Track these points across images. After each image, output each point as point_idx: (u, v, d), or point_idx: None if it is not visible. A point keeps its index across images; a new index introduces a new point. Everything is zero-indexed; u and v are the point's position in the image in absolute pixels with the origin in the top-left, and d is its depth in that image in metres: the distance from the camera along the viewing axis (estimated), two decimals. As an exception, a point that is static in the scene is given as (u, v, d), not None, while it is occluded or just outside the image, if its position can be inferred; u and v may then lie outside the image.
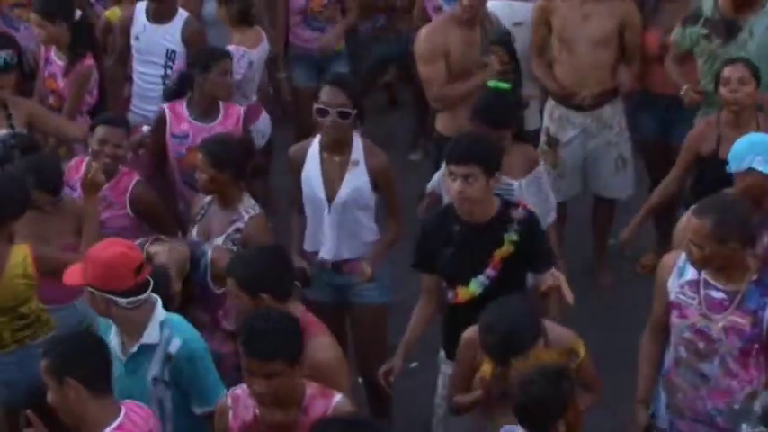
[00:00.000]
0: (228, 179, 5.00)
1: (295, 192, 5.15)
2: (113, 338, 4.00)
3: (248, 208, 5.04)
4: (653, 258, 6.21)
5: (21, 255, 4.75)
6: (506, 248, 4.44)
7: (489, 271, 4.44)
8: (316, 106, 5.01)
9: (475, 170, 4.28)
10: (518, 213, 4.52)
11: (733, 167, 4.52)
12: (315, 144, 5.12)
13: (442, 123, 6.17)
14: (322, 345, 3.99)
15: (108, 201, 5.13)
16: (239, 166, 5.12)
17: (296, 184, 5.15)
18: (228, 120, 5.88)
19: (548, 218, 5.32)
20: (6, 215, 4.69)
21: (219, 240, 4.92)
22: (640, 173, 6.62)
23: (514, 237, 4.44)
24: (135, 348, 3.95)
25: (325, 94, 4.96)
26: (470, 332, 4.02)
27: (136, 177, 5.28)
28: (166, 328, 3.96)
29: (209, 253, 4.73)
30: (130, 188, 5.18)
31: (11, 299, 4.76)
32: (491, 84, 5.55)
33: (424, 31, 6.23)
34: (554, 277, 4.71)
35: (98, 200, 5.05)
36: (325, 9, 7.22)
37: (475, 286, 4.45)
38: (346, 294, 4.99)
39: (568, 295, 4.73)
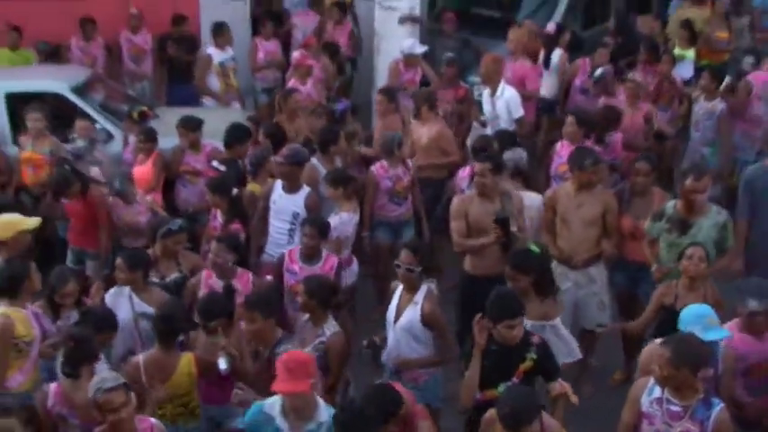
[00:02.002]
0: (317, 306, 5.99)
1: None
2: (281, 424, 4.93)
3: (331, 327, 5.99)
4: (621, 374, 7.47)
5: (187, 359, 5.74)
6: (528, 363, 5.41)
7: (514, 379, 5.38)
8: (395, 262, 6.19)
9: (518, 320, 5.40)
10: (535, 339, 5.51)
11: (682, 329, 5.32)
12: (401, 286, 6.25)
13: (469, 264, 7.25)
14: (427, 427, 5.11)
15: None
16: (327, 298, 6.06)
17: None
18: (326, 266, 6.89)
19: (569, 357, 6.48)
20: (177, 332, 5.82)
21: (308, 348, 5.76)
22: (615, 314, 7.61)
23: (534, 356, 5.42)
24: (312, 426, 4.89)
25: (403, 254, 6.15)
26: (490, 413, 4.86)
27: None
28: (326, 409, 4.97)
29: None
30: None
31: (180, 390, 5.70)
32: (529, 244, 6.64)
33: (456, 198, 7.40)
34: (561, 386, 5.56)
35: None
36: (405, 190, 8.28)
37: (502, 388, 5.29)
38: None
39: (574, 398, 5.58)
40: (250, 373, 5.84)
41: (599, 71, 10.01)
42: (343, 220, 7.55)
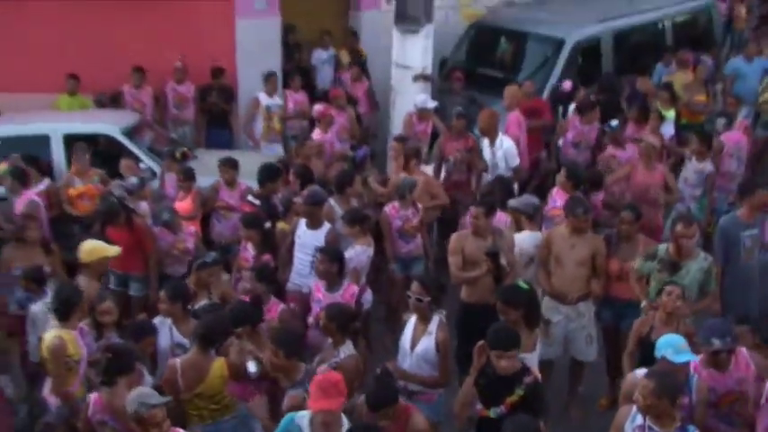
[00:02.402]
0: (336, 330, 6.01)
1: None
2: None
3: (347, 350, 6.04)
4: (606, 400, 7.49)
5: (219, 363, 5.82)
6: (514, 397, 5.41)
7: (502, 408, 5.43)
8: (407, 293, 6.28)
9: (513, 352, 5.45)
10: (529, 379, 5.47)
11: (657, 354, 5.48)
12: (413, 317, 6.34)
13: (465, 293, 7.31)
14: (421, 421, 5.28)
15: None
16: (345, 323, 6.06)
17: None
18: (347, 293, 6.99)
19: None
20: (216, 340, 5.91)
21: (323, 367, 5.79)
22: (601, 346, 7.62)
23: (521, 392, 5.41)
24: None
25: (413, 286, 6.25)
26: None
27: None
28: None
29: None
30: None
31: (211, 391, 5.80)
32: (518, 281, 6.61)
33: (453, 235, 7.46)
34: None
35: None
36: (414, 229, 8.38)
37: (492, 413, 5.46)
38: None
39: None
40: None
41: (614, 123, 10.09)
42: (357, 252, 7.65)
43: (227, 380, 5.81)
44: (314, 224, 7.80)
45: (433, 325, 6.21)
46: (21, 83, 11.62)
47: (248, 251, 7.81)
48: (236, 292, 7.41)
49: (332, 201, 8.30)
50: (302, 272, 7.79)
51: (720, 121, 10.81)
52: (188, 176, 8.95)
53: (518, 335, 5.60)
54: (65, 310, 6.09)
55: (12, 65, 11.51)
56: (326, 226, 7.83)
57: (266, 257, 7.63)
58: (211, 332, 5.82)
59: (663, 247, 7.11)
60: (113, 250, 7.18)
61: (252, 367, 5.80)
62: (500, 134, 9.68)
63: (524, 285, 6.44)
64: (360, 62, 12.97)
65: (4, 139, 9.76)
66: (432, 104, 10.73)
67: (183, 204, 8.76)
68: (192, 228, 8.43)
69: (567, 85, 11.70)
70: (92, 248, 7.07)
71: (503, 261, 6.97)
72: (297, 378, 5.66)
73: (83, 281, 6.93)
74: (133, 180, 9.00)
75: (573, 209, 7.32)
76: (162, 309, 6.48)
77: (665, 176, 9.05)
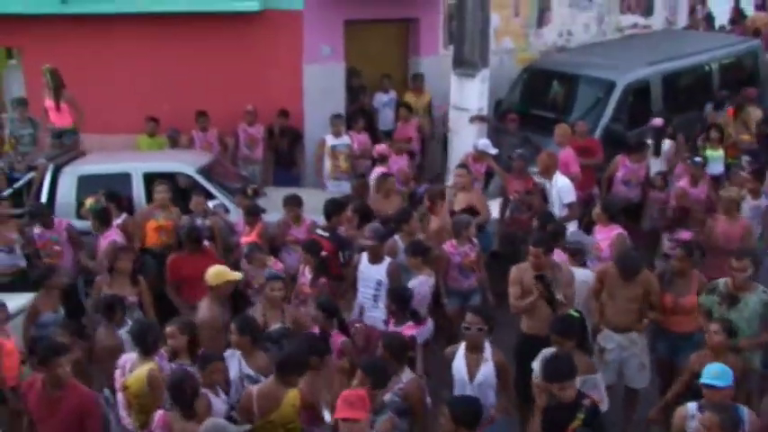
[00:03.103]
0: (393, 358, 5.95)
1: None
2: None
3: (407, 377, 5.99)
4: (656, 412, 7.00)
5: (293, 394, 5.74)
6: (576, 422, 5.41)
7: None
8: (463, 324, 6.17)
9: (570, 382, 5.46)
10: (586, 402, 5.50)
11: (700, 381, 5.57)
12: (462, 347, 6.28)
13: (524, 324, 7.24)
14: None
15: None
16: (400, 353, 6.05)
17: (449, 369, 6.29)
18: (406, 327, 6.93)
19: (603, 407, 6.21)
20: (294, 372, 5.83)
21: (388, 395, 5.76)
22: (654, 376, 7.50)
23: (582, 415, 5.42)
24: None
25: (469, 317, 6.17)
26: None
27: None
28: None
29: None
30: None
31: (283, 419, 5.75)
32: (570, 311, 6.59)
33: (513, 268, 7.34)
34: None
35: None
36: (472, 264, 8.33)
37: None
38: None
39: None
40: None
41: (697, 159, 10.09)
42: (420, 281, 7.69)
43: (300, 409, 5.78)
44: (376, 259, 7.80)
45: (487, 352, 6.14)
46: (105, 124, 11.94)
47: (305, 276, 7.85)
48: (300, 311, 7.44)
49: (396, 236, 8.34)
50: (365, 305, 7.79)
51: (745, 158, 10.77)
52: (252, 213, 9.01)
53: (573, 363, 5.53)
54: (150, 346, 6.14)
55: (97, 108, 11.76)
56: (387, 260, 7.82)
57: (322, 281, 7.68)
58: (289, 363, 5.77)
59: (722, 281, 7.05)
60: (236, 275, 7.28)
61: (327, 416, 5.73)
62: (557, 173, 9.62)
63: (575, 313, 6.41)
64: (408, 104, 12.93)
65: (90, 176, 9.98)
66: (492, 150, 10.68)
67: (248, 239, 8.77)
68: (279, 264, 8.38)
69: (658, 121, 11.61)
70: (217, 272, 7.13)
71: (559, 295, 6.87)
72: (374, 407, 5.56)
73: (204, 303, 7.03)
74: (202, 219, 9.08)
75: (623, 261, 7.22)
76: (233, 340, 6.46)
77: (746, 228, 8.82)
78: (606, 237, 8.18)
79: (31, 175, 10.18)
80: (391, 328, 6.96)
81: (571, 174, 9.88)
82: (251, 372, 6.33)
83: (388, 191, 9.72)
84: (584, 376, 5.98)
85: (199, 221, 8.97)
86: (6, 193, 9.87)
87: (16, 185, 10.16)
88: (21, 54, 13.50)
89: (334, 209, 8.73)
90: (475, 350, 6.15)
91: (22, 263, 8.87)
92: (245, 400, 5.75)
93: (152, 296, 7.99)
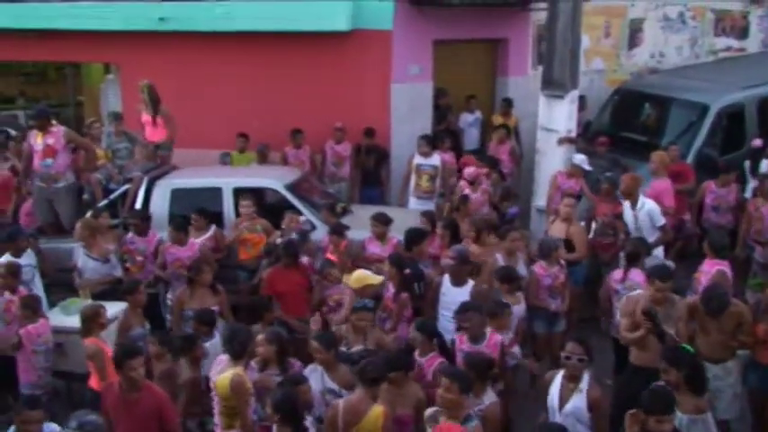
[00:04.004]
0: (476, 377, 5.90)
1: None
2: None
3: (490, 397, 5.99)
4: None
5: (377, 411, 5.69)
6: None
7: None
8: (563, 354, 6.08)
9: (669, 416, 5.29)
10: None
11: None
12: (560, 374, 6.19)
13: (633, 355, 7.10)
14: None
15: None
16: (483, 371, 6.09)
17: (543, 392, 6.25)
18: (491, 344, 6.85)
19: None
20: (375, 381, 5.79)
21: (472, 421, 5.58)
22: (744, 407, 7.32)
23: None
24: None
25: (570, 346, 6.06)
26: None
27: None
28: None
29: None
30: None
31: None
32: (683, 345, 6.42)
33: (625, 298, 7.29)
34: None
35: None
36: (561, 286, 8.25)
37: None
38: None
39: None
40: None
41: None
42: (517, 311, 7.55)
43: (384, 429, 5.72)
44: (459, 281, 7.77)
45: (584, 383, 6.03)
46: (197, 139, 12.26)
47: (390, 290, 7.88)
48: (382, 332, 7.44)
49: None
50: (447, 327, 7.59)
51: None
52: (335, 231, 9.10)
53: (674, 398, 5.42)
54: (239, 350, 6.24)
55: (190, 123, 12.08)
56: (470, 283, 7.78)
57: (404, 296, 7.72)
58: (369, 371, 5.79)
59: None
60: (378, 279, 7.43)
61: None
62: (641, 196, 9.45)
63: (689, 348, 6.27)
64: (506, 126, 12.92)
65: (182, 189, 10.24)
66: (588, 167, 10.60)
67: (332, 258, 8.84)
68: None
69: (758, 142, 11.46)
70: (359, 276, 7.38)
71: (671, 330, 6.74)
72: (463, 414, 5.55)
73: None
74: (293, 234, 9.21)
75: (706, 302, 6.98)
76: (316, 357, 6.53)
77: None
78: (708, 271, 7.94)
79: (126, 187, 10.52)
80: (465, 345, 6.86)
81: (665, 208, 9.68)
82: (334, 386, 6.37)
83: (467, 213, 9.74)
84: (691, 416, 5.89)
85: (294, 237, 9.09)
86: (102, 204, 10.23)
87: (112, 197, 10.50)
88: (118, 69, 14.03)
89: (413, 238, 8.67)
90: (572, 380, 6.06)
91: (118, 272, 9.17)
92: (332, 414, 5.79)
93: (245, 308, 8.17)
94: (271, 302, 7.84)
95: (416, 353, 6.60)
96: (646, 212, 9.32)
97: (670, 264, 8.06)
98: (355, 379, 5.96)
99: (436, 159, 11.60)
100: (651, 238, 9.13)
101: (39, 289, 8.78)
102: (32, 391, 7.55)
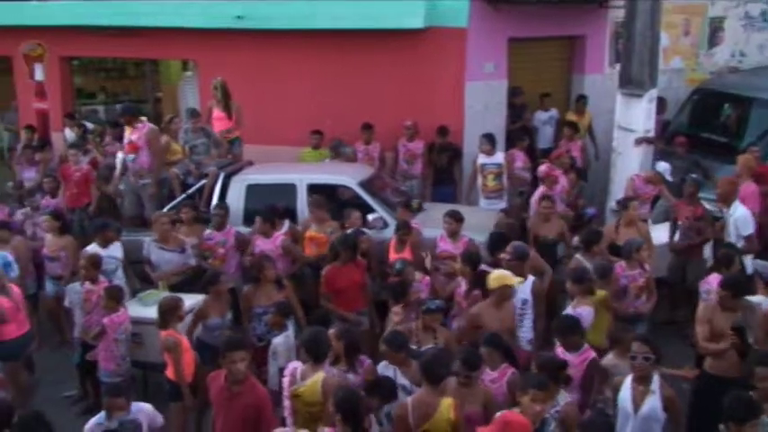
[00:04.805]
0: (549, 380, 5.75)
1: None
2: None
3: (564, 398, 5.94)
4: None
5: (447, 403, 5.73)
6: None
7: None
8: (630, 354, 5.97)
9: (754, 423, 5.19)
10: None
11: None
12: (629, 377, 6.03)
13: (708, 364, 6.96)
14: None
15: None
16: (556, 373, 5.95)
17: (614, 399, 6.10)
18: (582, 357, 6.52)
19: None
20: (440, 377, 5.74)
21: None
22: None
23: None
24: None
25: (635, 345, 5.96)
26: None
27: None
28: None
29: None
30: None
31: (438, 430, 5.70)
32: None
33: (702, 304, 7.18)
34: None
35: None
36: (639, 290, 8.13)
37: None
38: None
39: None
40: None
41: None
42: (576, 312, 7.39)
43: (455, 424, 5.71)
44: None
45: (655, 384, 5.93)
46: (271, 136, 12.47)
47: (462, 287, 7.93)
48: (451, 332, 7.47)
49: (578, 256, 8.31)
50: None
51: None
52: (403, 227, 9.08)
53: (758, 406, 5.30)
54: (321, 353, 6.26)
55: (264, 121, 12.30)
56: (531, 279, 7.73)
57: (476, 293, 7.70)
58: (433, 369, 5.80)
59: None
60: (517, 280, 7.36)
61: None
62: (736, 201, 9.28)
63: None
64: (575, 123, 12.78)
65: (257, 185, 10.38)
66: (670, 178, 10.45)
67: (397, 257, 8.84)
68: (427, 278, 8.50)
69: None
70: (499, 276, 7.28)
71: (750, 338, 6.60)
72: (544, 416, 5.56)
73: (484, 304, 7.15)
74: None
75: None
76: (388, 358, 6.55)
77: None
78: None
79: (203, 182, 10.75)
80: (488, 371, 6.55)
81: (752, 209, 9.48)
82: (406, 382, 6.41)
83: (548, 214, 9.67)
84: None
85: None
86: (180, 198, 10.47)
87: (189, 191, 10.76)
88: (196, 66, 14.30)
89: (496, 243, 8.51)
90: (642, 381, 5.96)
91: (193, 262, 9.39)
92: (401, 410, 5.81)
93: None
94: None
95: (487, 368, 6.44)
96: (734, 219, 9.14)
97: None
98: (421, 377, 5.97)
99: (500, 157, 11.52)
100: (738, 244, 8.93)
101: (121, 281, 9.01)
102: (112, 378, 7.82)
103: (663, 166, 10.49)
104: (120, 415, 5.99)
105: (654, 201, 10.59)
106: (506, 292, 7.28)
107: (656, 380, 5.94)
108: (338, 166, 11.65)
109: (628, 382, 6.01)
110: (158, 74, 18.14)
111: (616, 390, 6.10)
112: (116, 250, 9.15)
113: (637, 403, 5.93)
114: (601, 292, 7.68)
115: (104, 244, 9.04)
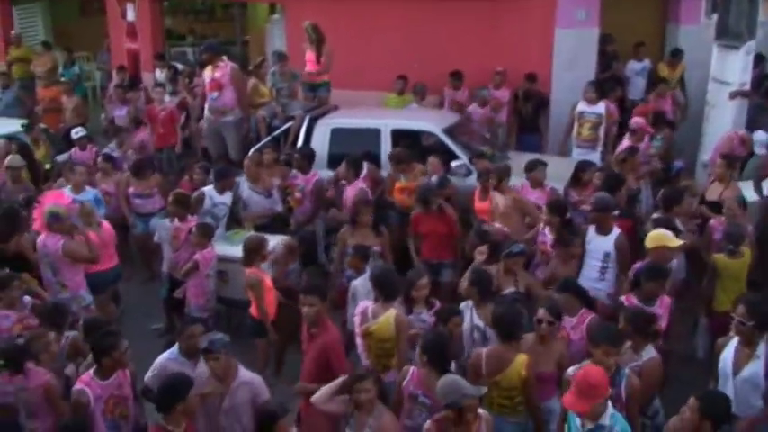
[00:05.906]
0: (634, 332, 5.75)
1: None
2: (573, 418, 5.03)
3: (649, 353, 5.76)
4: None
5: (521, 359, 5.71)
6: None
7: None
8: (731, 314, 5.81)
9: None
10: None
11: None
12: (734, 340, 5.78)
13: None
14: None
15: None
16: (642, 327, 5.79)
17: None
18: (663, 304, 6.49)
19: None
20: (514, 334, 5.77)
21: (625, 369, 5.52)
22: None
23: None
24: (593, 426, 4.89)
25: (739, 308, 5.70)
26: None
27: None
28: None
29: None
30: None
31: (508, 383, 5.73)
32: None
33: None
34: None
35: None
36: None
37: None
38: None
39: None
40: None
41: None
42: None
43: (526, 380, 5.71)
44: (603, 230, 7.60)
45: (762, 348, 5.71)
46: (357, 81, 12.47)
47: (546, 235, 7.89)
48: (533, 277, 7.46)
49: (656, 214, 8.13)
50: (591, 276, 7.53)
51: None
52: (484, 174, 9.01)
53: None
54: (392, 292, 6.37)
55: (349, 65, 12.30)
56: (615, 231, 7.59)
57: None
58: (508, 326, 5.80)
59: None
60: (677, 242, 7.05)
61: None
62: None
63: None
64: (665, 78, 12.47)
65: (342, 129, 10.47)
66: (764, 150, 10.05)
67: (482, 206, 8.87)
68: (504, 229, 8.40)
69: None
70: (657, 236, 7.03)
71: None
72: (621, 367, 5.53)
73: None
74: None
75: None
76: (464, 292, 6.63)
77: None
78: None
79: (288, 125, 10.84)
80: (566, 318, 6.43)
81: None
82: (480, 323, 6.45)
83: (635, 168, 9.51)
84: None
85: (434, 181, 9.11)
86: (266, 140, 10.60)
87: (275, 134, 10.89)
88: (284, 9, 14.38)
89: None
90: (748, 344, 5.77)
91: (279, 207, 9.55)
92: (475, 359, 5.85)
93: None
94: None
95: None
96: None
97: None
98: (493, 330, 5.99)
99: (601, 108, 11.23)
100: None
101: (223, 226, 9.16)
102: (200, 314, 8.03)
103: (760, 136, 10.11)
104: (196, 342, 5.93)
105: (745, 159, 10.21)
106: (664, 254, 6.99)
107: (762, 345, 5.72)
108: (423, 112, 11.63)
109: (733, 344, 5.83)
110: (246, 17, 18.29)
111: (720, 349, 5.92)
112: (227, 198, 9.28)
113: (737, 366, 5.76)
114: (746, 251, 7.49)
115: (222, 190, 9.18)
